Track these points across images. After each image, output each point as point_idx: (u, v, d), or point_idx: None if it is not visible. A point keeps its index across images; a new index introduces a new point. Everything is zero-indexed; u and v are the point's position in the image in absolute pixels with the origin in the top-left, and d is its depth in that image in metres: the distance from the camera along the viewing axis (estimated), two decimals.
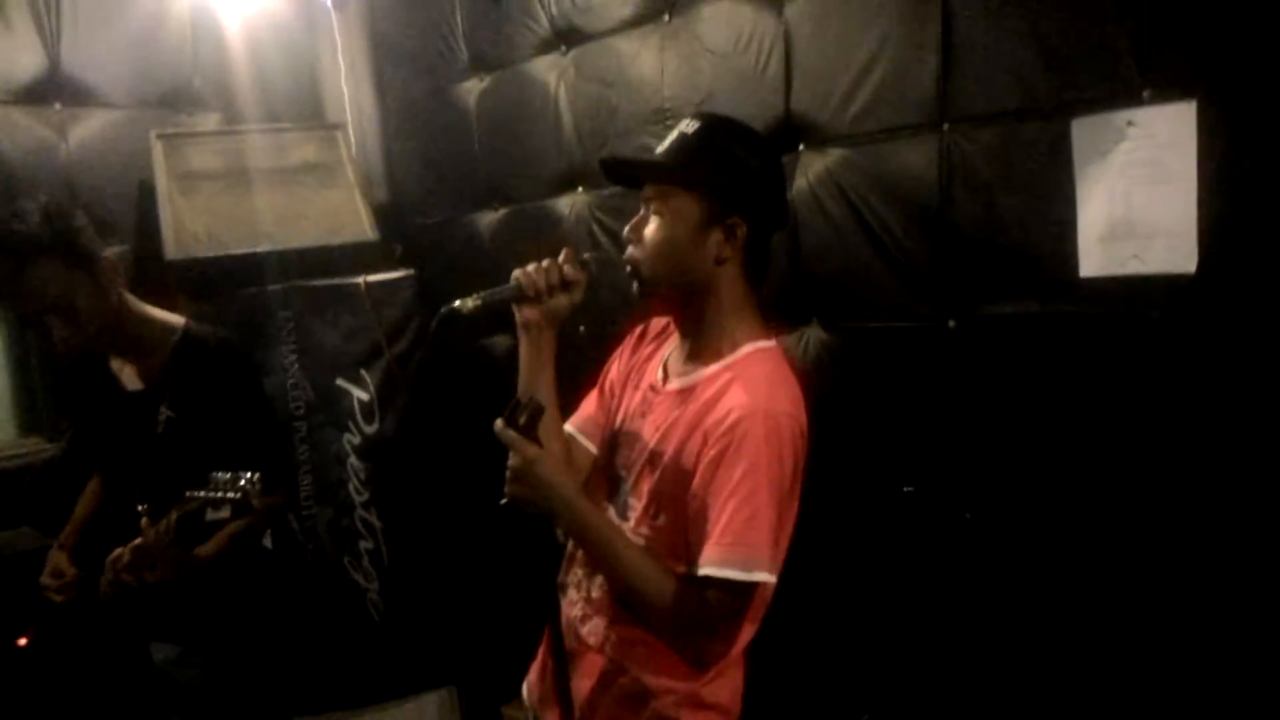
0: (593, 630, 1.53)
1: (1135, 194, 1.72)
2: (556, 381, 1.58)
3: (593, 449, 1.67)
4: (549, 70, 2.81)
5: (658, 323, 1.69)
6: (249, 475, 1.67)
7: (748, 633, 1.48)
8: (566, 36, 2.74)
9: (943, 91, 1.93)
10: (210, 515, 1.69)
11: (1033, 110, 1.82)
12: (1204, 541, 1.67)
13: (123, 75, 3.08)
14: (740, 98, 2.27)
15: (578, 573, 1.60)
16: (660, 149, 1.49)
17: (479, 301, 1.44)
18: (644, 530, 1.47)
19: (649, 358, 1.64)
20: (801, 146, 2.18)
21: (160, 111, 3.16)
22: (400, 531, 2.95)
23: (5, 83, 2.88)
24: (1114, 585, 1.80)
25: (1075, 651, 1.86)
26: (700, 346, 1.51)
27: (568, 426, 1.69)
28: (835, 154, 2.11)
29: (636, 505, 1.50)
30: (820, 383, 2.10)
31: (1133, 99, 1.69)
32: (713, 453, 1.37)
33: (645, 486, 1.48)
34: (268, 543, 2.27)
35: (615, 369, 1.71)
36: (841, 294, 2.14)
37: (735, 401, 1.38)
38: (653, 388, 1.56)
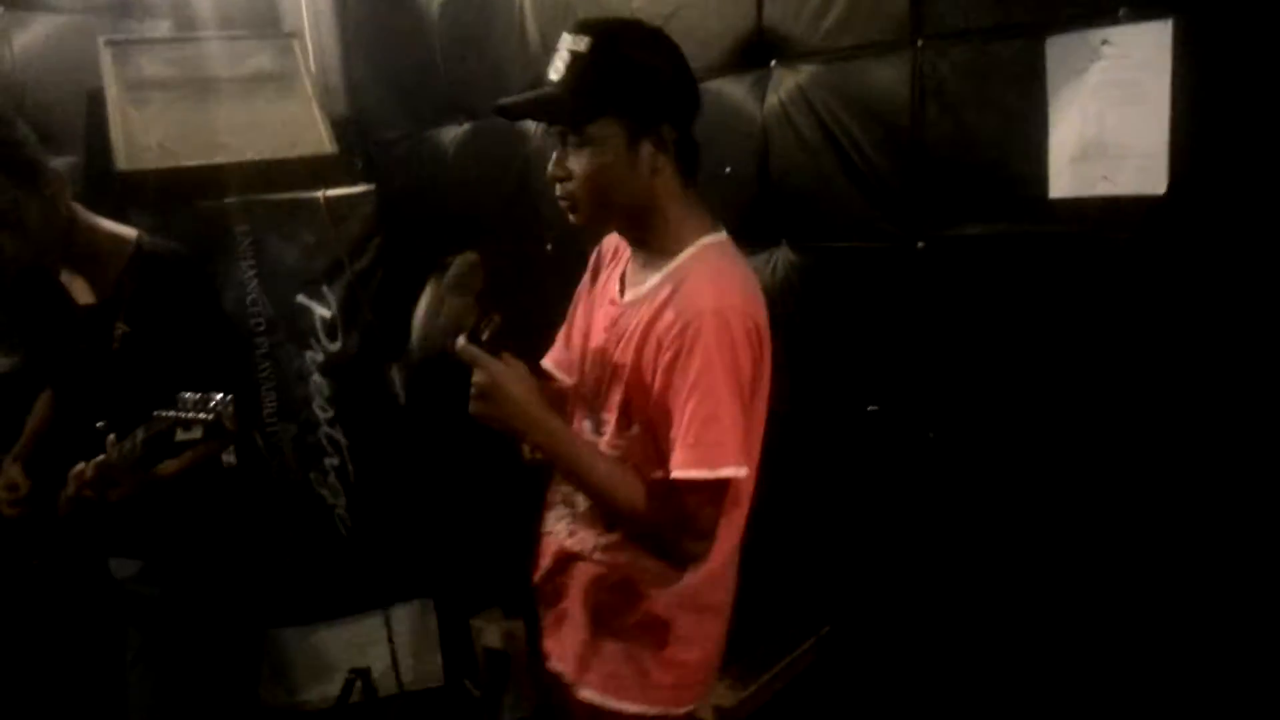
0: (579, 541, 1.55)
1: (1108, 115, 1.71)
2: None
3: (569, 381, 1.66)
4: None
5: (610, 241, 1.67)
6: (221, 397, 1.63)
7: (729, 531, 1.50)
8: None
9: (917, 7, 1.89)
10: (180, 435, 1.66)
11: (1008, 28, 1.79)
12: (1168, 465, 1.71)
13: None
14: (710, 11, 2.22)
15: (563, 488, 1.61)
16: (555, 77, 1.37)
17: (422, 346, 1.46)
18: (619, 442, 1.48)
19: (608, 279, 1.62)
20: (773, 62, 2.14)
21: (109, 18, 3.05)
22: (367, 448, 2.95)
23: None
24: (1075, 507, 1.84)
25: (1033, 572, 1.91)
26: (651, 254, 1.48)
27: (543, 363, 1.70)
28: (807, 70, 2.08)
29: (609, 419, 1.50)
30: (789, 303, 2.13)
31: (1108, 17, 1.66)
32: (667, 358, 1.36)
33: (614, 399, 1.48)
34: (231, 458, 2.25)
35: (580, 302, 1.70)
36: (811, 214, 2.12)
37: (683, 304, 1.37)
38: (612, 302, 1.54)
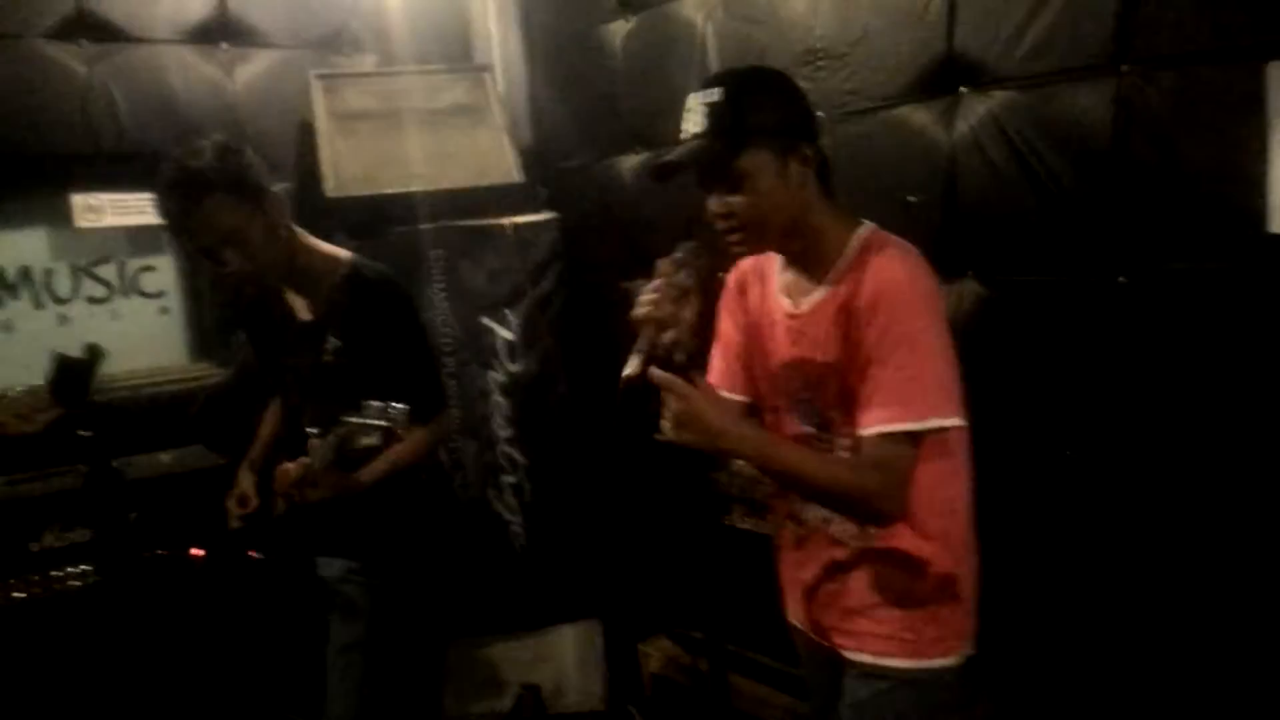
0: (854, 534, 1.61)
1: None
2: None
3: (737, 398, 1.72)
4: (696, 10, 2.77)
5: (745, 266, 1.73)
6: (398, 405, 1.75)
7: (951, 481, 1.58)
8: None
9: (1122, 30, 1.82)
10: (361, 441, 1.78)
11: (1223, 52, 1.70)
12: None
13: (285, 17, 3.20)
14: (897, 37, 2.19)
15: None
16: (697, 129, 1.49)
17: (638, 360, 1.47)
18: (849, 429, 1.53)
19: (762, 297, 1.69)
20: (963, 89, 2.09)
21: (319, 53, 3.28)
22: (544, 468, 3.03)
23: (177, 22, 3.03)
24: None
25: (1222, 632, 1.78)
26: (813, 264, 1.58)
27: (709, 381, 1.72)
28: (1000, 97, 2.02)
29: (836, 416, 1.56)
30: (975, 337, 2.06)
31: None
32: (874, 329, 1.45)
33: (835, 395, 1.55)
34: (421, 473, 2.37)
35: (729, 324, 1.76)
36: (1001, 246, 2.06)
37: (877, 281, 1.47)
38: (791, 315, 1.61)
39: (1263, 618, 1.75)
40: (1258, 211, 1.68)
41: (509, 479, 3.02)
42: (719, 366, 1.75)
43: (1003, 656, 2.13)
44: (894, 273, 1.46)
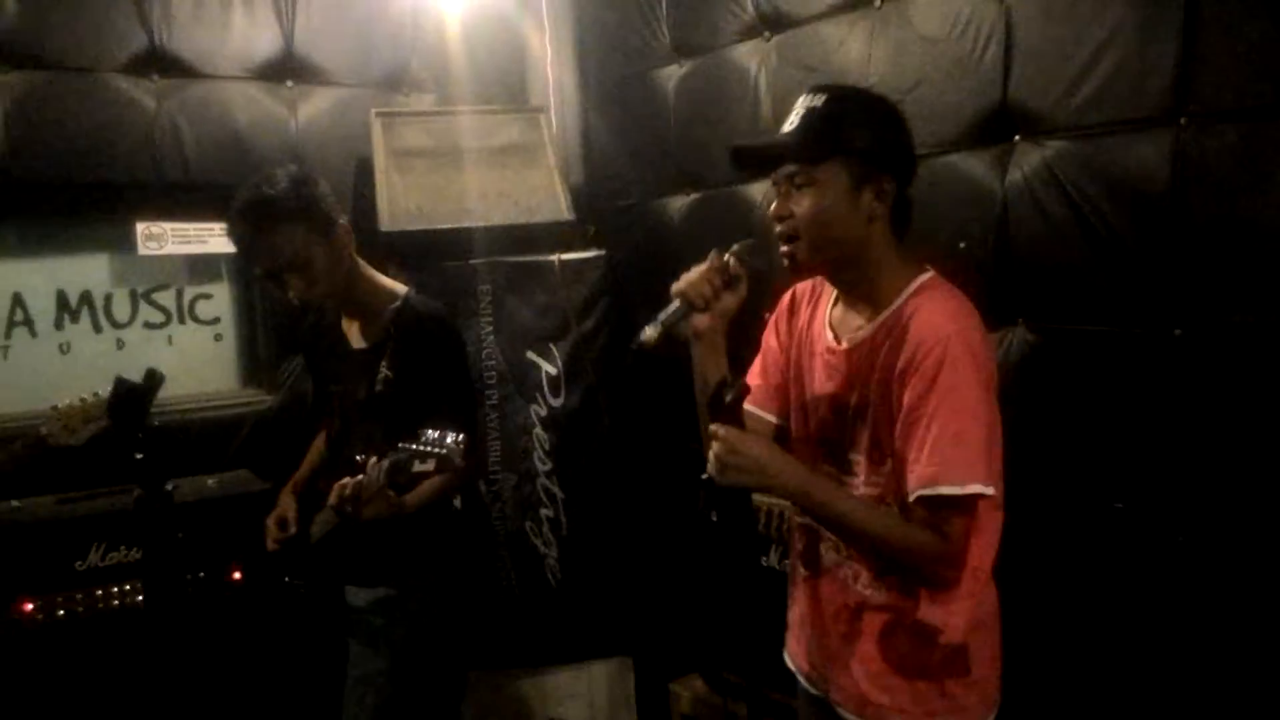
0: (866, 584, 1.57)
1: None
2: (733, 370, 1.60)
3: (770, 419, 1.72)
4: (750, 56, 2.80)
5: (802, 288, 1.72)
6: (456, 435, 1.77)
7: (984, 549, 1.51)
8: (771, 22, 2.71)
9: (1182, 82, 1.80)
10: (416, 467, 1.81)
11: None
12: None
13: (348, 56, 3.29)
14: (952, 85, 2.20)
15: (830, 537, 1.62)
16: (789, 128, 1.50)
17: (659, 328, 1.49)
18: (875, 479, 1.52)
19: (809, 323, 1.67)
20: (1017, 138, 2.09)
21: (380, 91, 3.36)
22: (581, 502, 3.03)
23: (245, 60, 3.13)
24: None
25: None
26: (867, 299, 1.56)
27: (747, 405, 1.70)
28: (1055, 146, 2.01)
29: (859, 459, 1.54)
30: (1025, 387, 2.03)
31: None
32: (916, 387, 1.42)
33: (862, 439, 1.53)
34: (457, 503, 2.38)
35: (774, 342, 1.75)
36: (1053, 295, 2.04)
37: (924, 333, 1.43)
38: (830, 350, 1.60)
39: None
40: None
41: (546, 512, 3.02)
42: (757, 383, 1.74)
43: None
44: (942, 327, 1.43)
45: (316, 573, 2.13)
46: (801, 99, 1.52)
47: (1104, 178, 1.93)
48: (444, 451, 1.76)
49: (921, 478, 1.40)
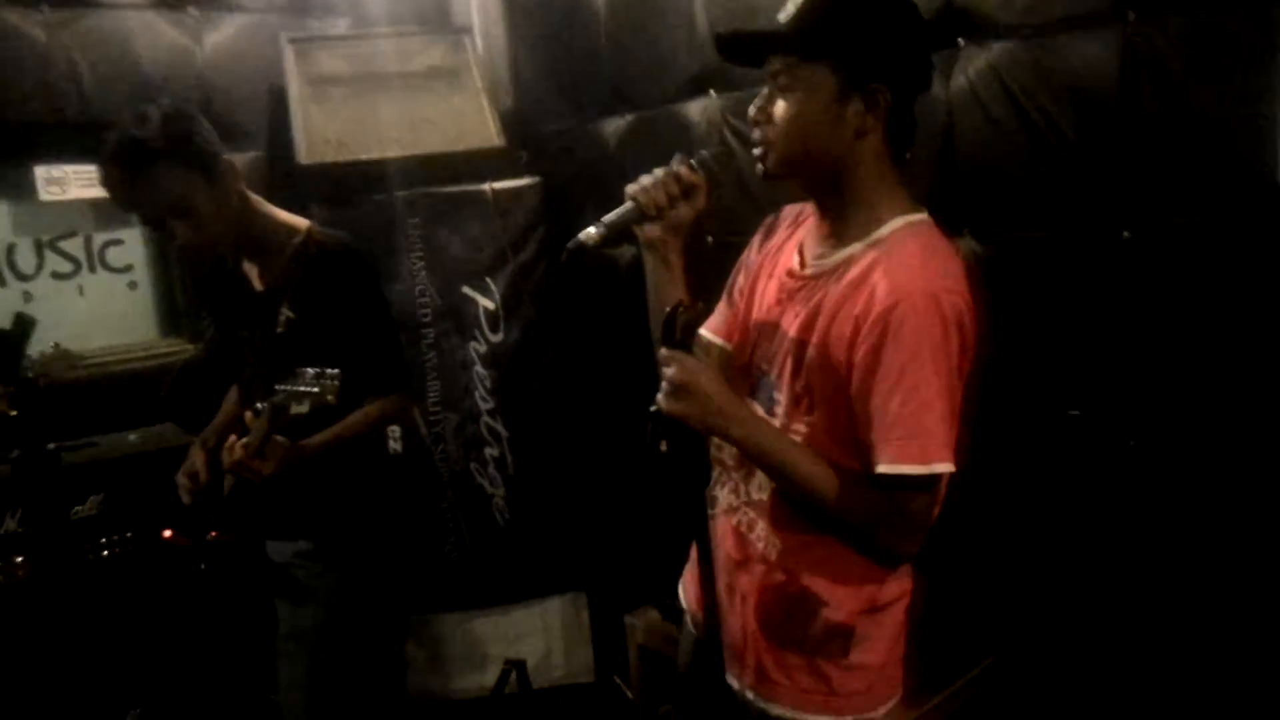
0: (760, 536, 1.47)
1: None
2: (688, 291, 1.50)
3: (728, 348, 1.59)
4: None
5: (790, 210, 1.58)
6: (330, 371, 1.68)
7: None
8: None
9: None
10: (293, 409, 1.73)
11: None
12: None
13: None
14: None
15: (731, 477, 1.53)
16: (784, 18, 1.34)
17: (602, 230, 1.37)
18: (798, 427, 1.40)
19: (782, 245, 1.53)
20: (962, 41, 2.00)
21: (291, 16, 3.19)
22: (527, 440, 2.96)
23: None
24: None
25: (1234, 604, 1.72)
26: (841, 226, 1.39)
27: (702, 331, 1.61)
28: (1001, 48, 1.93)
29: (782, 400, 1.42)
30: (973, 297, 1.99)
31: None
32: (868, 344, 1.28)
33: (791, 380, 1.40)
34: (398, 446, 2.29)
35: (745, 264, 1.62)
36: (1001, 202, 1.98)
37: (887, 283, 1.27)
38: (790, 274, 1.46)
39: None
40: (1268, 163, 1.59)
41: (491, 451, 2.95)
42: (720, 308, 1.63)
43: (999, 634, 2.09)
44: (907, 282, 1.26)
45: (239, 527, 2.03)
46: None
47: (1051, 79, 1.86)
48: (317, 389, 1.67)
49: (886, 454, 1.27)
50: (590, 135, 3.10)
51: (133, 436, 2.69)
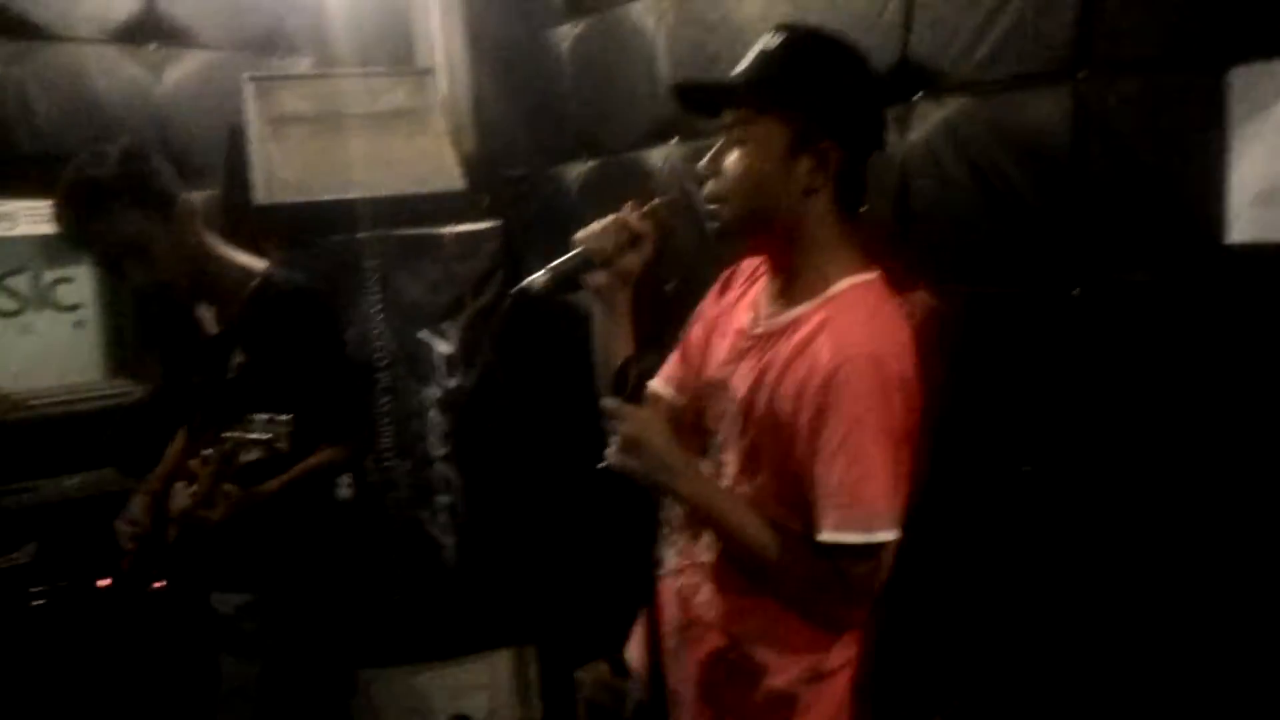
0: (704, 599, 1.44)
1: None
2: (637, 341, 1.48)
3: (678, 401, 1.57)
4: (647, 14, 2.69)
5: (748, 264, 1.57)
6: (281, 418, 1.66)
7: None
8: None
9: (1081, 36, 1.74)
10: (243, 457, 1.69)
11: (1184, 58, 1.63)
12: None
13: (217, 16, 3.09)
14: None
15: (678, 538, 1.50)
16: (739, 68, 1.35)
17: (549, 276, 1.37)
18: (743, 489, 1.38)
19: (736, 301, 1.52)
20: (918, 95, 2.02)
21: (254, 55, 3.17)
22: (480, 488, 2.91)
23: (101, 20, 2.91)
24: (1248, 590, 1.63)
25: (1188, 656, 1.70)
26: (791, 285, 1.39)
27: (653, 384, 1.59)
28: (955, 104, 1.95)
29: (730, 462, 1.40)
30: (924, 351, 1.98)
31: None
32: (813, 408, 1.26)
33: (738, 442, 1.39)
34: (348, 493, 2.25)
35: (702, 318, 1.60)
36: (955, 257, 1.98)
37: (831, 346, 1.27)
38: (740, 332, 1.45)
39: (1227, 628, 1.68)
40: (1216, 222, 1.61)
41: (443, 499, 2.89)
42: (673, 359, 1.61)
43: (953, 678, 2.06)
44: (850, 345, 1.25)
45: (183, 577, 1.97)
46: (764, 37, 1.35)
47: (1004, 135, 1.87)
48: (269, 436, 1.64)
49: (829, 521, 1.26)
50: (552, 180, 3.09)
51: (72, 481, 2.62)
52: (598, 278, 1.43)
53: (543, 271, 1.37)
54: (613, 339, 1.46)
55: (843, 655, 1.43)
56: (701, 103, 1.46)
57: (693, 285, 1.58)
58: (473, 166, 3.14)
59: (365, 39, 3.26)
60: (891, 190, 2.05)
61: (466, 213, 3.00)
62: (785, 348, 1.33)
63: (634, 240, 1.41)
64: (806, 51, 1.34)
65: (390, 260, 2.84)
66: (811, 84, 1.31)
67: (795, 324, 1.34)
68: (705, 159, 1.39)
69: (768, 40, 1.34)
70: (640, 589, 1.46)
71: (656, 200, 1.44)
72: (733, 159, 1.34)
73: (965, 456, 1.97)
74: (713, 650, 1.42)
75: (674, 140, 2.65)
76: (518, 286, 1.37)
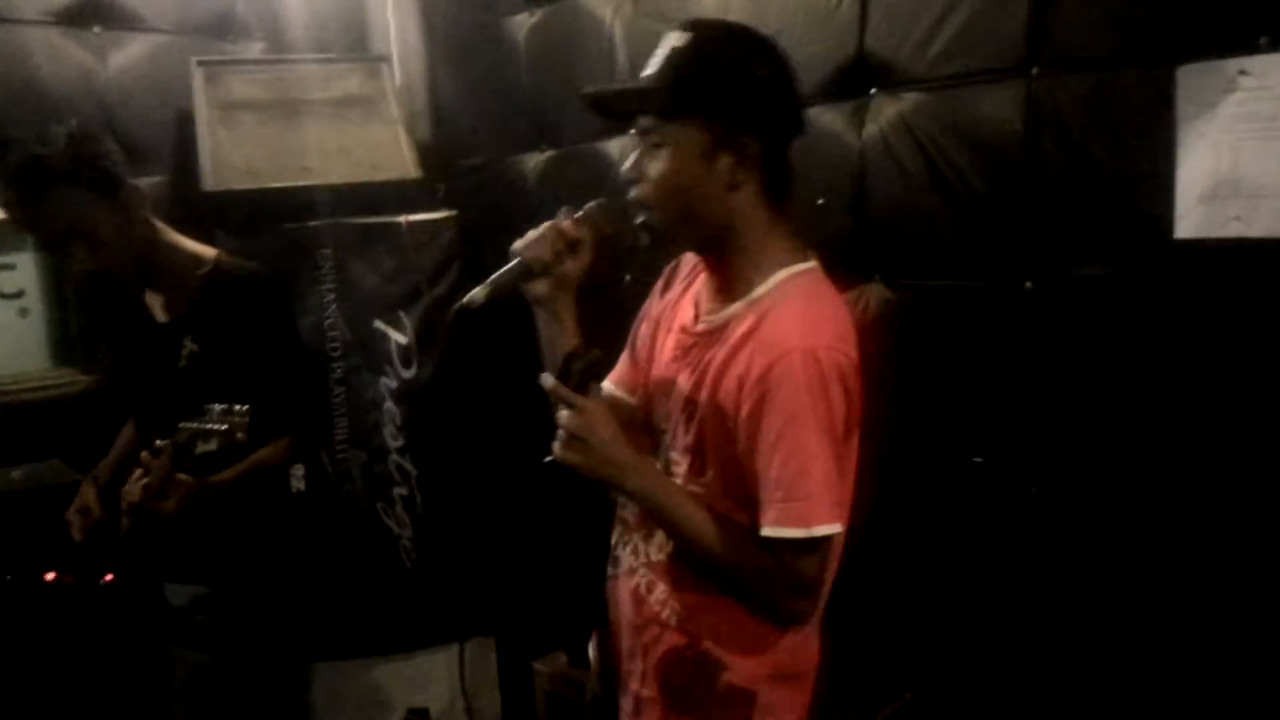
0: (659, 598, 1.43)
1: (1243, 150, 1.58)
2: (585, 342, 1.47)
3: (632, 401, 1.56)
4: (604, 4, 2.68)
5: (689, 258, 1.56)
6: (239, 408, 1.64)
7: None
8: None
9: (1033, 33, 1.78)
10: (199, 448, 1.67)
11: (1133, 56, 1.67)
12: None
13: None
14: (809, 36, 2.13)
15: (632, 537, 1.49)
16: (648, 71, 1.32)
17: (489, 289, 1.35)
18: (694, 487, 1.38)
19: (680, 296, 1.52)
20: (874, 90, 2.04)
21: (203, 39, 3.08)
22: (436, 479, 2.89)
23: (45, 2, 2.80)
24: (1190, 573, 1.68)
25: (1140, 643, 1.75)
26: (728, 281, 1.38)
27: (606, 384, 1.58)
28: (911, 98, 1.97)
29: (679, 460, 1.40)
30: (879, 343, 2.00)
31: (1246, 46, 1.54)
32: (749, 405, 1.27)
33: (685, 441, 1.38)
34: (301, 485, 2.22)
35: (647, 317, 1.60)
36: (909, 250, 2.01)
37: (768, 340, 1.27)
38: (684, 329, 1.44)
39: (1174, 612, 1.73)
40: (1165, 217, 1.65)
41: (400, 491, 2.87)
42: (623, 360, 1.60)
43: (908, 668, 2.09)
44: (788, 339, 1.25)
45: (134, 569, 1.94)
46: (669, 35, 1.32)
47: (958, 130, 1.90)
48: (225, 426, 1.62)
49: (768, 517, 1.26)
50: (509, 170, 3.07)
51: (16, 473, 2.55)
52: (539, 286, 1.40)
53: (481, 285, 1.35)
54: (559, 344, 1.43)
55: (810, 660, 1.44)
56: (615, 111, 1.45)
57: (651, 276, 1.57)
58: (428, 155, 3.11)
59: (319, 24, 3.20)
60: (850, 182, 2.07)
61: (422, 201, 2.97)
62: (724, 345, 1.33)
63: (572, 246, 1.39)
64: (714, 49, 1.31)
65: (345, 249, 2.81)
66: (723, 84, 1.29)
67: (733, 320, 1.35)
68: (627, 165, 1.37)
69: (675, 38, 1.31)
70: (595, 586, 1.47)
71: (591, 205, 1.43)
72: (654, 164, 1.32)
73: (918, 448, 2.00)
74: (671, 649, 1.43)
75: (631, 131, 2.64)
76: (458, 304, 1.35)
